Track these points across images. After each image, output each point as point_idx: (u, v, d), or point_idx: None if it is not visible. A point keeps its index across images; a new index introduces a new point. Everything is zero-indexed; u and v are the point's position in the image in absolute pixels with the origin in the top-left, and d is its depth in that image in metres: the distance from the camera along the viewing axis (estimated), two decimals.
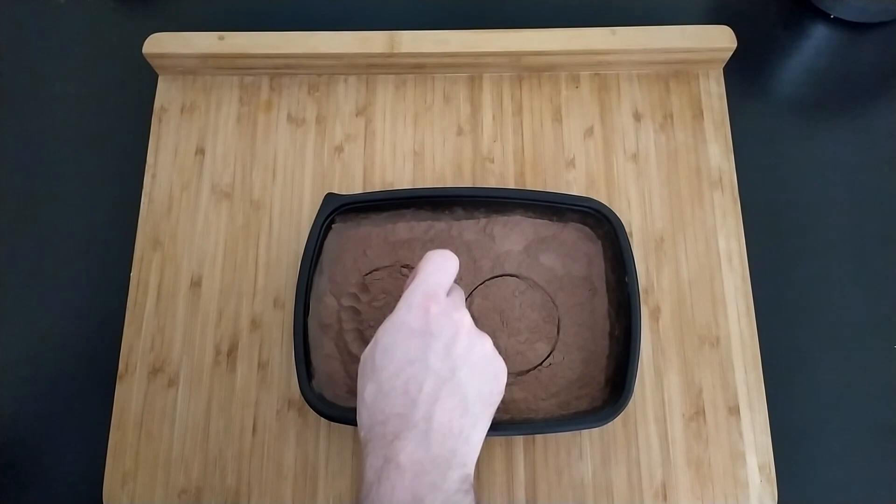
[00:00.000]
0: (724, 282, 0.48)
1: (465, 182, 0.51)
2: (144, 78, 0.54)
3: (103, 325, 0.49)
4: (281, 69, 0.53)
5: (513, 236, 0.48)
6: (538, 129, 0.52)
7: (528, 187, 0.50)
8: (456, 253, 0.44)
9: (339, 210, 0.47)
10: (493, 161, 0.51)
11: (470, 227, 0.48)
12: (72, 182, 0.53)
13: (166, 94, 0.54)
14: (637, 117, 0.52)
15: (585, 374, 0.45)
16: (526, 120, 0.52)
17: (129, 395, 0.47)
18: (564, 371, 0.46)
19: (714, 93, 0.53)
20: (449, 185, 0.51)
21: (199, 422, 0.46)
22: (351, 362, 0.45)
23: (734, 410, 0.46)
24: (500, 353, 0.38)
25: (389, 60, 0.52)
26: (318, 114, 0.53)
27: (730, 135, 0.52)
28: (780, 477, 0.44)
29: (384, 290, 0.47)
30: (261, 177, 0.51)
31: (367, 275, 0.47)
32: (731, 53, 0.52)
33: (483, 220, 0.48)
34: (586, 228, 0.48)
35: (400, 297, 0.38)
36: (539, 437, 0.45)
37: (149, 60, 0.53)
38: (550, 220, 0.48)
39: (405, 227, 0.48)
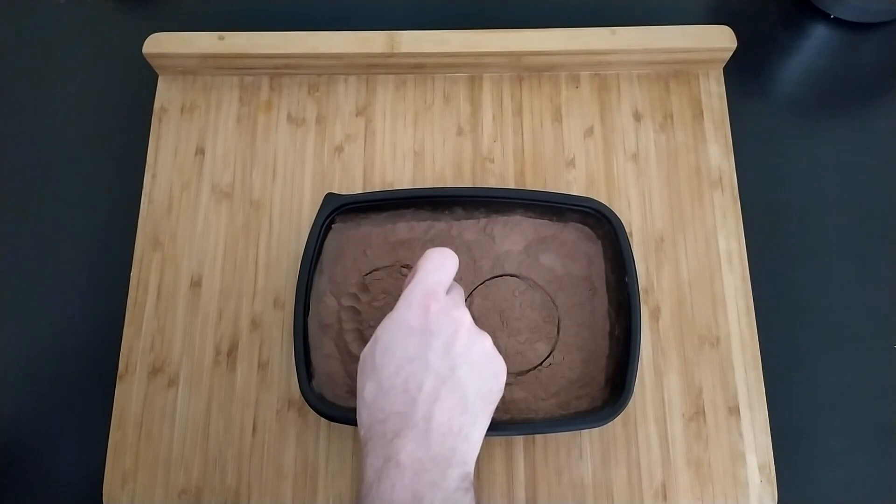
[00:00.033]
0: (724, 282, 0.48)
1: (465, 182, 0.51)
2: (144, 78, 0.54)
3: (103, 325, 0.49)
4: (281, 69, 0.53)
5: (513, 236, 0.48)
6: (538, 129, 0.52)
7: (528, 187, 0.50)
8: (456, 253, 0.44)
9: (339, 210, 0.47)
10: (493, 161, 0.51)
11: (470, 227, 0.48)
12: (72, 182, 0.53)
13: (166, 94, 0.54)
14: (637, 117, 0.52)
15: (585, 374, 0.45)
16: (526, 120, 0.52)
17: (129, 395, 0.47)
18: (564, 371, 0.46)
19: (714, 93, 0.53)
20: (449, 185, 0.51)
21: (199, 422, 0.46)
22: (351, 362, 0.45)
23: (734, 410, 0.46)
24: (500, 353, 0.38)
25: (389, 60, 0.52)
26: (318, 114, 0.53)
27: (730, 135, 0.52)
28: (780, 477, 0.44)
29: (384, 290, 0.47)
30: (261, 177, 0.51)
31: (367, 275, 0.47)
32: (731, 53, 0.52)
33: (483, 220, 0.48)
34: (586, 228, 0.48)
35: (400, 296, 0.38)
36: (539, 437, 0.45)
37: (149, 60, 0.53)
38: (550, 220, 0.48)
39: (405, 227, 0.48)
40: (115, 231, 0.51)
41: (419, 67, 0.53)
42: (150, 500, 0.45)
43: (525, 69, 0.53)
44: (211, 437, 0.46)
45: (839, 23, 0.56)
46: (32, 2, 0.59)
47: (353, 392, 0.44)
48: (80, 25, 0.58)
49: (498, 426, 0.43)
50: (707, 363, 0.47)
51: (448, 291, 0.38)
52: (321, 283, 0.47)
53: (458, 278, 0.47)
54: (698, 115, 0.52)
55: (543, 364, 0.46)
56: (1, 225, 0.52)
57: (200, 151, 0.52)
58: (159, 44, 0.52)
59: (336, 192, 0.49)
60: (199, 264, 0.49)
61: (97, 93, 0.56)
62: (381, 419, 0.35)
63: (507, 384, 0.45)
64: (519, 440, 0.45)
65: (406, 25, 0.52)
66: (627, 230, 0.47)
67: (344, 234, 0.48)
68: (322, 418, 0.44)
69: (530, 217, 0.48)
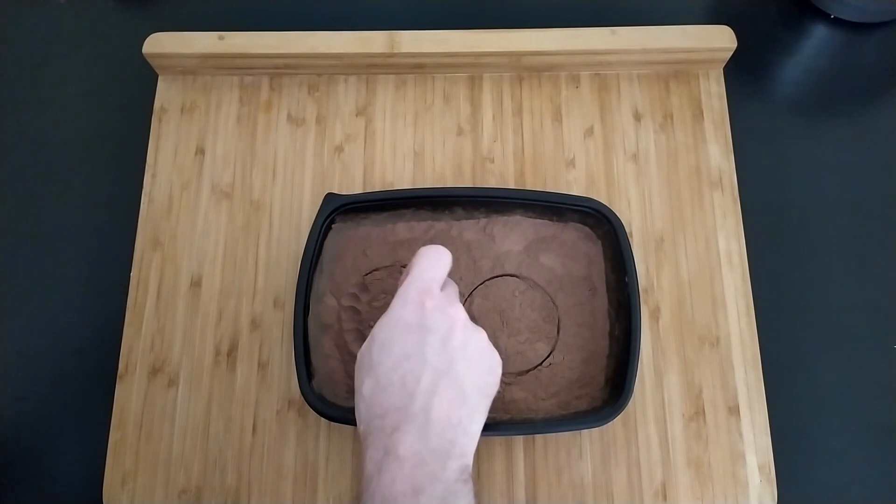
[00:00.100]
0: (724, 282, 0.48)
1: (465, 182, 0.51)
2: (144, 78, 0.54)
3: (103, 325, 0.49)
4: (281, 69, 0.53)
5: (513, 236, 0.48)
6: (538, 129, 0.52)
7: (528, 187, 0.50)
8: (456, 253, 0.44)
9: (339, 210, 0.47)
10: (493, 161, 0.51)
11: (470, 227, 0.48)
12: (72, 182, 0.53)
13: (166, 94, 0.54)
14: (637, 117, 0.52)
15: (585, 374, 0.45)
16: (526, 120, 0.52)
17: (129, 395, 0.47)
18: (564, 371, 0.46)
19: (714, 93, 0.53)
20: (449, 185, 0.51)
21: (199, 422, 0.46)
22: (351, 362, 0.45)
23: (734, 410, 0.46)
24: (500, 353, 0.39)
25: (389, 60, 0.52)
26: (318, 114, 0.53)
27: (730, 135, 0.52)
28: (780, 477, 0.44)
29: (384, 290, 0.47)
30: (261, 177, 0.51)
31: (367, 275, 0.47)
32: (731, 53, 0.52)
33: (483, 220, 0.48)
34: (586, 228, 0.48)
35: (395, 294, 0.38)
36: (539, 437, 0.45)
37: (149, 60, 0.53)
38: (550, 220, 0.48)
39: (405, 227, 0.48)
40: (115, 231, 0.51)
41: (419, 67, 0.53)
42: (150, 500, 0.45)
43: (525, 69, 0.53)
44: (211, 437, 0.46)
45: (839, 23, 0.56)
46: (32, 2, 0.59)
47: (353, 392, 0.44)
48: (80, 25, 0.58)
49: (498, 426, 0.43)
50: (707, 363, 0.47)
51: (443, 288, 0.38)
52: (321, 283, 0.47)
53: (458, 278, 0.47)
54: (698, 115, 0.52)
55: (543, 364, 0.46)
56: (1, 225, 0.52)
57: (200, 151, 0.52)
58: (159, 44, 0.52)
59: (336, 192, 0.49)
60: (199, 264, 0.49)
61: (97, 93, 0.56)
62: (379, 414, 0.35)
63: (507, 384, 0.45)
64: (519, 440, 0.45)
65: (406, 25, 0.52)
66: (627, 230, 0.47)
67: (344, 234, 0.48)
68: (322, 418, 0.44)
69: (530, 217, 0.48)
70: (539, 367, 0.46)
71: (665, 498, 0.44)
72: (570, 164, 0.51)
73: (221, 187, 0.51)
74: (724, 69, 0.53)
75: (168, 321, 0.48)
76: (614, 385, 0.44)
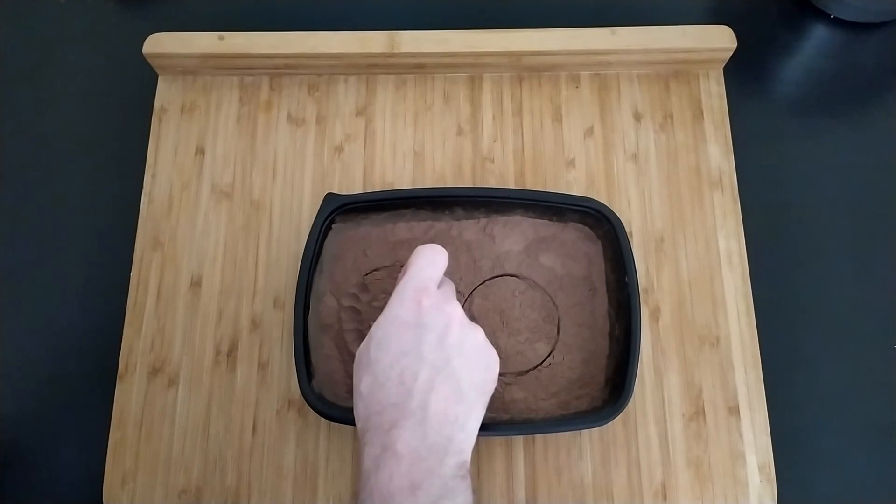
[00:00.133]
0: (724, 282, 0.48)
1: (465, 182, 0.51)
2: (144, 78, 0.54)
3: (103, 325, 0.49)
4: (281, 69, 0.53)
5: (513, 236, 0.48)
6: (538, 129, 0.52)
7: (528, 187, 0.50)
8: (456, 253, 0.44)
9: (339, 210, 0.47)
10: (493, 161, 0.51)
11: (470, 227, 0.48)
12: (72, 182, 0.53)
13: (166, 94, 0.54)
14: (637, 117, 0.52)
15: (585, 374, 0.45)
16: (526, 120, 0.52)
17: (129, 395, 0.47)
18: (564, 371, 0.46)
19: (714, 93, 0.53)
20: (449, 185, 0.51)
21: (199, 422, 0.46)
22: (351, 362, 0.45)
23: (734, 410, 0.46)
24: (500, 353, 0.39)
25: (389, 60, 0.52)
26: (318, 114, 0.53)
27: (730, 135, 0.52)
28: (780, 477, 0.44)
29: (384, 290, 0.47)
30: (261, 177, 0.51)
31: (367, 275, 0.47)
32: (731, 53, 0.52)
33: (483, 220, 0.48)
34: (586, 228, 0.48)
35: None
36: (539, 437, 0.45)
37: (149, 60, 0.53)
38: (550, 220, 0.48)
39: (405, 227, 0.48)
40: (115, 231, 0.51)
41: (419, 67, 0.53)
42: (150, 500, 0.45)
43: (525, 69, 0.53)
44: (211, 437, 0.46)
45: (839, 23, 0.56)
46: (32, 2, 0.59)
47: (352, 391, 0.44)
48: (80, 25, 0.58)
49: (498, 426, 0.43)
50: (707, 363, 0.47)
51: (440, 286, 0.39)
52: (321, 283, 0.47)
53: (458, 278, 0.47)
54: (698, 115, 0.52)
55: (543, 364, 0.46)
56: (1, 225, 0.52)
57: (200, 151, 0.52)
58: (159, 44, 0.52)
59: (336, 192, 0.49)
60: (199, 264, 0.49)
61: (97, 93, 0.56)
62: (377, 411, 0.35)
63: (507, 384, 0.45)
64: (519, 440, 0.45)
65: (406, 25, 0.52)
66: (627, 230, 0.47)
67: (344, 234, 0.48)
68: (322, 418, 0.44)
69: (530, 217, 0.48)
70: (539, 367, 0.46)
71: (665, 498, 0.44)
72: (570, 164, 0.51)
73: (221, 187, 0.51)
74: (724, 69, 0.53)
75: (168, 321, 0.48)
76: (614, 385, 0.44)
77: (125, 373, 0.47)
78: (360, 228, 0.48)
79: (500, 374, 0.44)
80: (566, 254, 0.48)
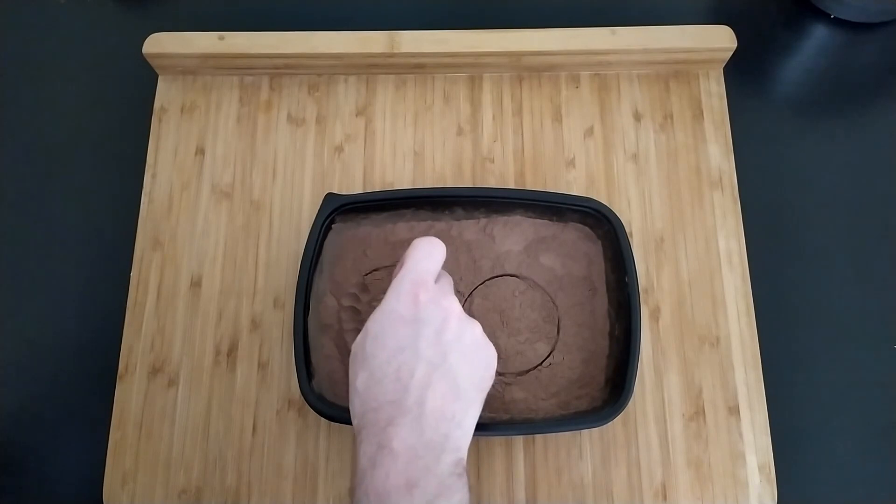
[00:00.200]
0: (724, 282, 0.48)
1: (465, 182, 0.51)
2: (144, 78, 0.54)
3: (103, 325, 0.49)
4: (281, 69, 0.53)
5: (513, 236, 0.48)
6: (538, 129, 0.52)
7: (528, 187, 0.50)
8: (456, 253, 0.44)
9: (339, 210, 0.47)
10: (493, 161, 0.51)
11: (470, 227, 0.48)
12: (72, 182, 0.53)
13: (166, 94, 0.54)
14: (637, 117, 0.52)
15: (585, 374, 0.45)
16: (526, 120, 0.52)
17: (129, 395, 0.47)
18: (564, 371, 0.46)
19: (714, 93, 0.53)
20: (449, 185, 0.51)
21: (199, 422, 0.46)
22: None
23: (734, 410, 0.46)
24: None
25: (389, 60, 0.52)
26: (318, 114, 0.53)
27: (730, 135, 0.52)
28: (780, 477, 0.44)
29: (384, 290, 0.46)
30: (261, 177, 0.51)
31: (367, 275, 0.47)
32: (731, 53, 0.52)
33: (483, 220, 0.48)
34: (586, 228, 0.48)
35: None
36: (539, 437, 0.45)
37: (149, 60, 0.53)
38: (550, 220, 0.48)
39: (405, 227, 0.48)
40: (115, 231, 0.51)
41: (419, 67, 0.53)
42: (150, 500, 0.45)
43: (525, 69, 0.53)
44: (211, 437, 0.46)
45: (839, 23, 0.56)
46: (32, 2, 0.59)
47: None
48: (80, 25, 0.58)
49: (498, 426, 0.43)
50: (707, 363, 0.47)
51: (437, 280, 0.38)
52: (321, 283, 0.47)
53: (458, 278, 0.47)
54: (698, 115, 0.52)
55: (543, 364, 0.46)
56: (1, 225, 0.53)
57: (200, 151, 0.52)
58: (159, 44, 0.52)
59: (336, 192, 0.49)
60: (199, 264, 0.49)
61: (97, 93, 0.56)
62: (373, 408, 0.35)
63: (507, 384, 0.45)
64: (519, 440, 0.45)
65: (406, 25, 0.52)
66: (627, 230, 0.47)
67: (344, 234, 0.48)
68: (322, 418, 0.44)
69: (530, 217, 0.48)
70: (539, 367, 0.46)
71: (665, 498, 0.44)
72: (570, 164, 0.51)
73: (221, 187, 0.51)
74: (724, 69, 0.53)
75: (168, 321, 0.48)
76: (614, 385, 0.44)
77: (125, 373, 0.47)
78: (360, 228, 0.48)
79: (500, 374, 0.44)
80: (566, 254, 0.48)
